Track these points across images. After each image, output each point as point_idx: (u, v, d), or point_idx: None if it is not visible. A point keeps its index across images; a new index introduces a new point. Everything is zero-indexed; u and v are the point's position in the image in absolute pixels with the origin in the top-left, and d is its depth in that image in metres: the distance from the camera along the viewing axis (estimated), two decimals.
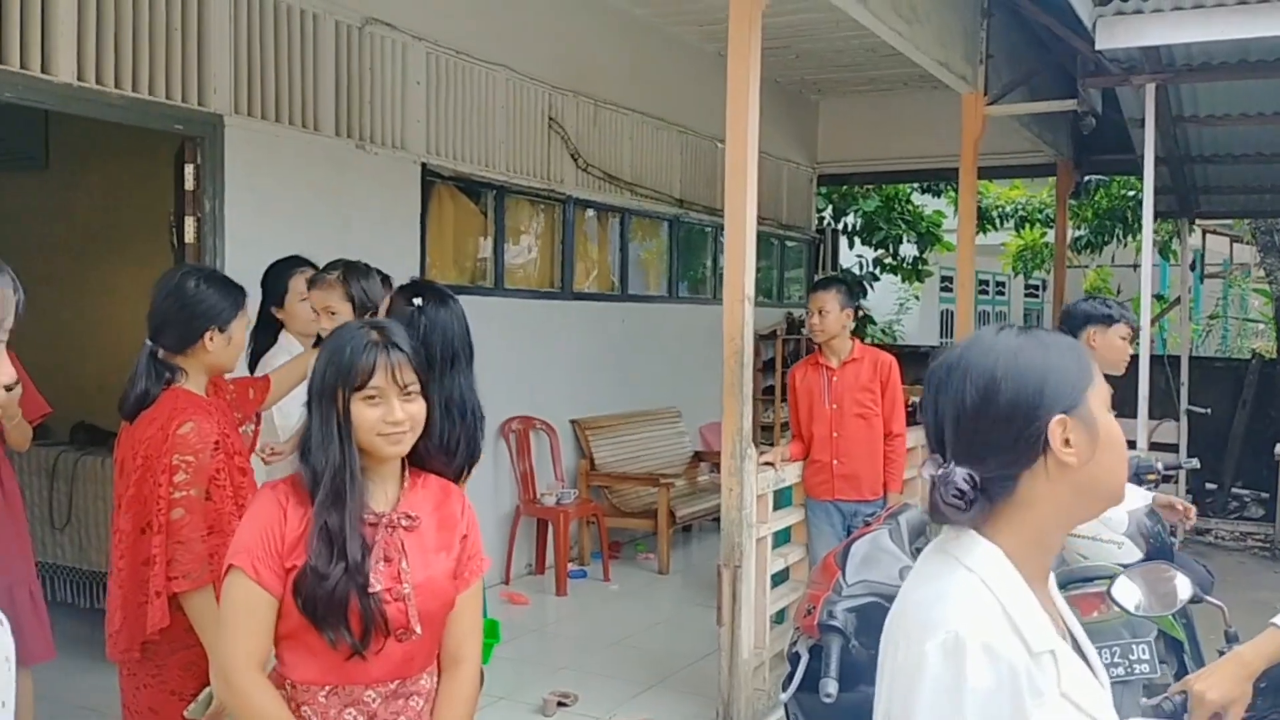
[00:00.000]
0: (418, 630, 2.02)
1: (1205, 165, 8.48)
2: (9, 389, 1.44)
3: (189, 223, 5.01)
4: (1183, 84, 6.35)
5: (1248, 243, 13.42)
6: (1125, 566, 3.56)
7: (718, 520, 4.84)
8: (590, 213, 8.03)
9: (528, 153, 7.13)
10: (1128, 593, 2.79)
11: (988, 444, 1.37)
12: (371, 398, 2.01)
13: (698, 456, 8.66)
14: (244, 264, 4.71)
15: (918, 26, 6.11)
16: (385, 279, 3.61)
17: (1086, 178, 11.91)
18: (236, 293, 2.85)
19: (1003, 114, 7.42)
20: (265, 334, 3.87)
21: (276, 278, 3.94)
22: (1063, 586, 3.94)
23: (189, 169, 5.02)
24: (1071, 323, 4.07)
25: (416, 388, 2.06)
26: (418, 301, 2.86)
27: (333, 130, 5.63)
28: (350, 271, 3.44)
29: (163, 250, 5.68)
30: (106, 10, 4.52)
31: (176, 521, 2.54)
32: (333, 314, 3.34)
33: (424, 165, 6.26)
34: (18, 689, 3.68)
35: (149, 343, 2.75)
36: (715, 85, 5.29)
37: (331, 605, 1.94)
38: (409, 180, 6.17)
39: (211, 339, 2.75)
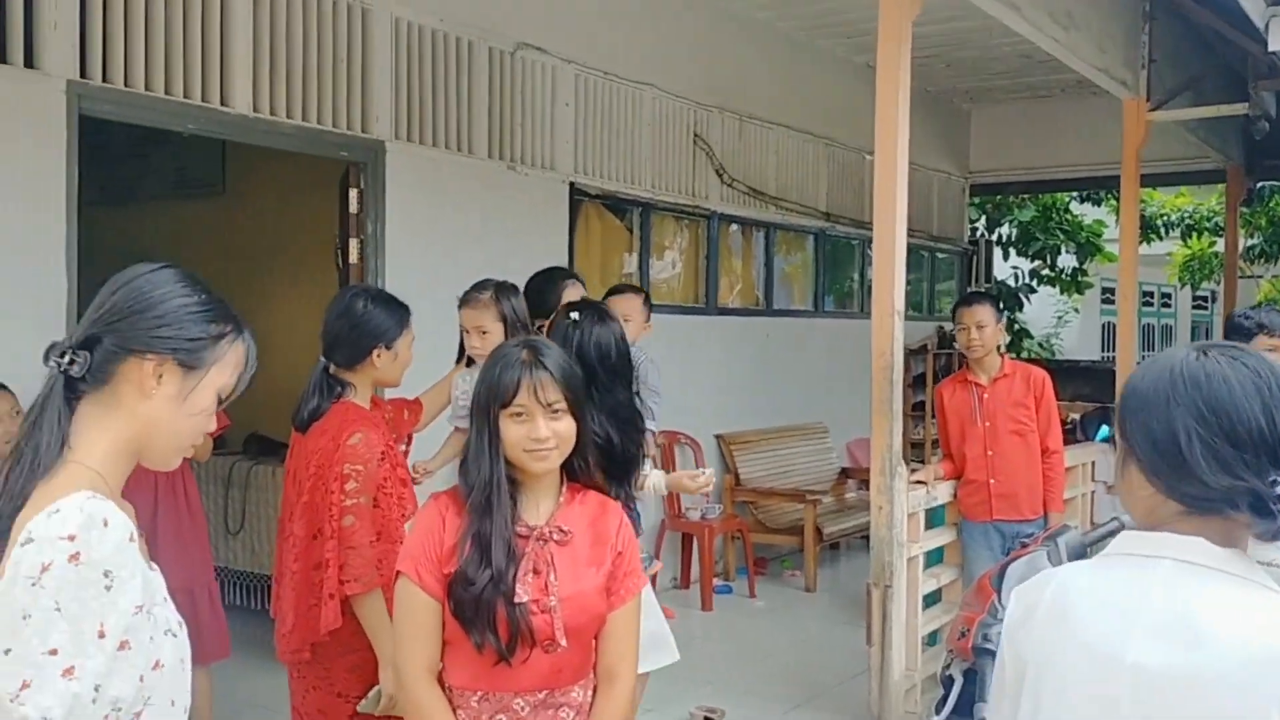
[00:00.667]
0: (563, 643, 2.06)
1: None
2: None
3: (353, 244, 5.26)
4: None
5: None
6: None
7: (866, 538, 4.77)
8: (734, 227, 8.05)
9: (673, 169, 7.20)
10: None
11: None
12: (518, 415, 2.08)
13: (845, 473, 8.54)
14: (402, 282, 4.90)
15: (1075, 32, 5.92)
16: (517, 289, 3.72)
17: (1259, 184, 11.27)
18: (402, 312, 2.99)
19: (1167, 120, 7.12)
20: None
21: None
22: None
23: (353, 193, 5.26)
24: (1226, 337, 3.89)
25: (563, 406, 2.10)
26: (574, 316, 2.99)
27: (485, 153, 5.81)
28: (501, 291, 3.54)
29: (329, 270, 5.97)
30: (279, 45, 4.79)
31: (348, 528, 2.68)
32: (484, 333, 3.45)
33: (572, 184, 6.39)
34: (197, 686, 3.92)
35: (322, 359, 2.91)
36: (863, 96, 5.24)
37: (479, 610, 2.02)
38: (557, 199, 6.31)
39: (379, 356, 2.91)
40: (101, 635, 1.35)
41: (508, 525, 2.07)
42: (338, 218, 5.49)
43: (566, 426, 2.11)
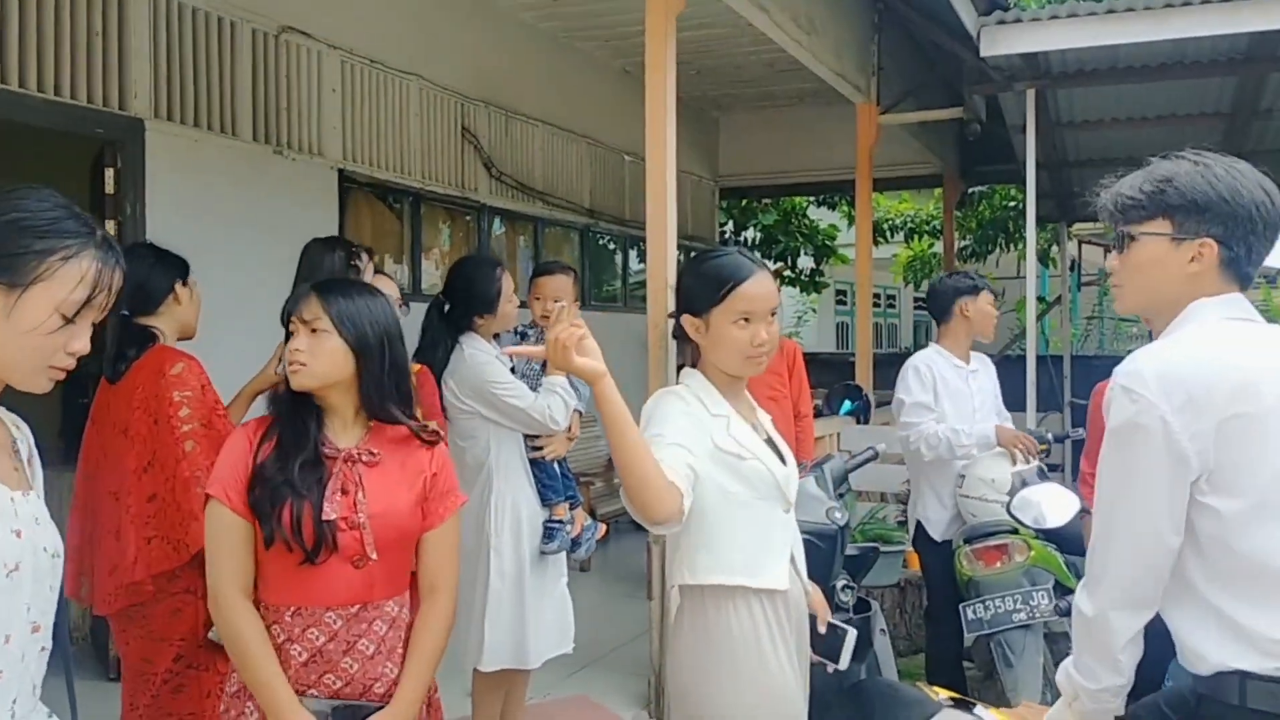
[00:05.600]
0: (373, 556, 2.17)
1: (1082, 170, 9.05)
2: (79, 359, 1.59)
3: (110, 226, 5.02)
4: (1059, 90, 6.82)
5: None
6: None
7: (635, 520, 4.90)
8: (503, 221, 8.19)
9: (442, 161, 7.26)
10: (1025, 508, 3.09)
11: None
12: (292, 332, 2.25)
13: (613, 460, 8.83)
14: None
15: (815, 38, 6.46)
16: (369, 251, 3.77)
17: (970, 189, 12.50)
18: (181, 258, 3.11)
19: (894, 122, 7.84)
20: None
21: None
22: (967, 541, 4.25)
23: (108, 173, 5.04)
24: (941, 299, 4.40)
25: (324, 324, 2.21)
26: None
27: (250, 135, 5.70)
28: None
29: None
30: (28, 13, 4.55)
31: (191, 453, 2.74)
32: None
33: (340, 171, 6.35)
34: None
35: (123, 311, 2.92)
36: (623, 99, 5.50)
37: (272, 504, 2.11)
38: (326, 185, 6.25)
39: (179, 292, 3.00)
40: None
41: (306, 436, 2.19)
42: (89, 202, 5.23)
43: (323, 345, 2.20)
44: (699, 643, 2.30)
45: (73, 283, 1.54)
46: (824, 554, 2.78)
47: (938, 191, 12.38)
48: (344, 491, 2.17)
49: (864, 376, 7.80)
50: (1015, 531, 4.02)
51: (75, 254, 1.54)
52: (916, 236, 15.90)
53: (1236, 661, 1.76)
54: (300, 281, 3.44)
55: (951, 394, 4.25)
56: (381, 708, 2.18)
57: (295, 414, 2.22)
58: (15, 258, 1.50)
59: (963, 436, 4.15)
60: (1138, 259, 1.94)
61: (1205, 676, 1.80)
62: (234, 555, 2.15)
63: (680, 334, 2.40)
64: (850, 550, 2.98)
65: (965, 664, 4.50)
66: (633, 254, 9.93)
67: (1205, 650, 1.80)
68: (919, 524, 4.35)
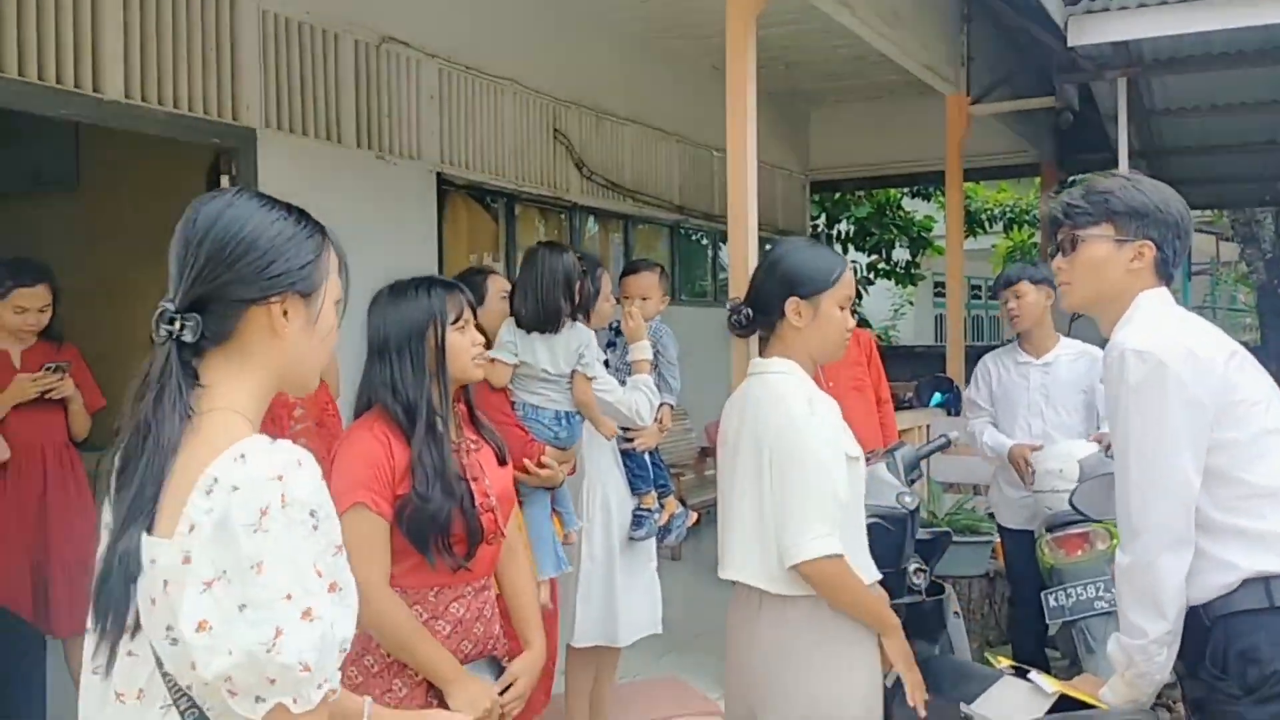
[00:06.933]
0: (505, 532, 2.39)
1: (1181, 157, 8.86)
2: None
3: None
4: (1152, 77, 6.72)
5: (1227, 238, 13.76)
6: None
7: None
8: (596, 220, 8.39)
9: (535, 162, 7.48)
10: (1085, 499, 3.15)
11: None
12: (462, 327, 2.40)
13: (704, 452, 8.98)
14: None
15: (901, 30, 6.49)
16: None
17: (1070, 177, 12.26)
18: None
19: (985, 113, 7.79)
20: None
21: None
22: (1049, 530, 4.29)
23: (224, 180, 5.36)
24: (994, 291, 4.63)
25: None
26: None
27: (354, 142, 5.98)
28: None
29: None
30: (149, 32, 4.88)
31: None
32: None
33: (439, 174, 6.61)
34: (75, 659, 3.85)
35: None
36: (711, 96, 5.61)
37: (435, 525, 2.24)
38: (425, 188, 6.52)
39: None
40: (319, 575, 1.28)
41: (451, 442, 2.33)
42: None
43: None
44: (817, 645, 2.33)
45: (335, 271, 1.50)
46: (894, 537, 2.86)
47: (1038, 180, 12.18)
48: (474, 478, 2.34)
49: (955, 369, 7.79)
50: (1098, 520, 4.03)
51: (325, 240, 1.50)
52: (1016, 226, 15.65)
53: (1265, 565, 2.00)
54: (535, 285, 3.58)
55: (1006, 390, 4.36)
56: (496, 659, 2.37)
57: (440, 415, 2.32)
58: (308, 266, 1.44)
59: (986, 448, 4.39)
60: (1085, 258, 2.23)
61: (1233, 592, 2.01)
62: (384, 555, 2.25)
63: (750, 324, 2.48)
64: (921, 535, 3.06)
65: (1050, 651, 4.53)
66: (723, 249, 10.03)
67: (1235, 559, 2.02)
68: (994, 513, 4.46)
